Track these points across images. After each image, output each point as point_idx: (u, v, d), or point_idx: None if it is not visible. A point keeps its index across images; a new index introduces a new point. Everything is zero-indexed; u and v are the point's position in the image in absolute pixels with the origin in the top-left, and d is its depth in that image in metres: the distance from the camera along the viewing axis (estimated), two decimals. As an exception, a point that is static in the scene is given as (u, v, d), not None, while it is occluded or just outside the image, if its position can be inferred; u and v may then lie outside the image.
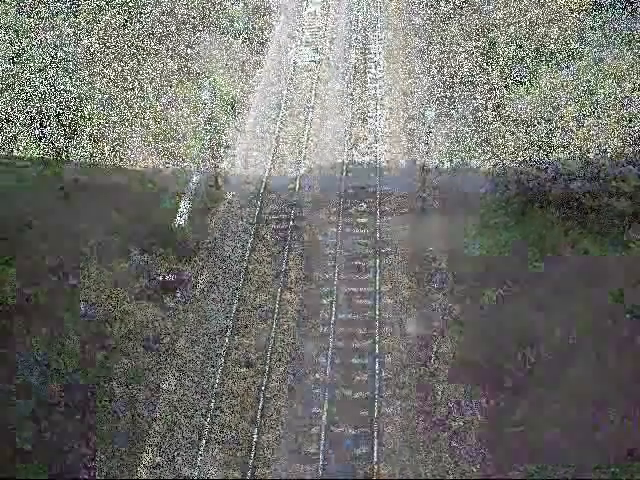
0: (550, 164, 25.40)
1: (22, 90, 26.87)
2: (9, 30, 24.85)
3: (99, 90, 29.56)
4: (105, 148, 28.90)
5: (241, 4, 45.39)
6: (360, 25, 46.61)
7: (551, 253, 25.16)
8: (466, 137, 33.67)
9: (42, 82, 26.89)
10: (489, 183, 29.94)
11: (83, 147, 28.20)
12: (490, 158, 30.37)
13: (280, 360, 24.95)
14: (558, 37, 29.15)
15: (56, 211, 25.51)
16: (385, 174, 33.42)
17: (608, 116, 25.21)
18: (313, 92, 40.00)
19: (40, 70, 27.18)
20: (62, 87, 27.20)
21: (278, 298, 27.29)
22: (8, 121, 26.90)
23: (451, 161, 33.31)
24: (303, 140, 36.27)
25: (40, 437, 20.70)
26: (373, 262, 28.56)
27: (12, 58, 24.96)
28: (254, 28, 44.79)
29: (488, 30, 32.21)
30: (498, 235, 27.69)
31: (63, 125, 26.79)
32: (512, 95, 28.34)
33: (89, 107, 27.87)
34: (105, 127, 29.39)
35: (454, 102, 35.73)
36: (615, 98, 26.06)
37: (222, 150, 35.46)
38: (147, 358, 24.63)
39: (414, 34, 45.12)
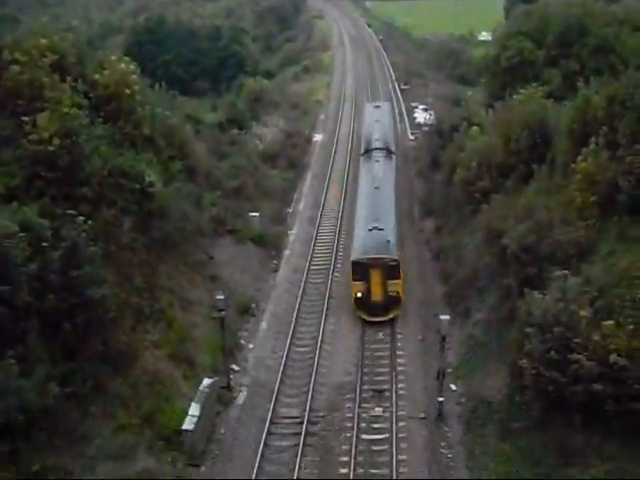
0: (569, 366, 24.83)
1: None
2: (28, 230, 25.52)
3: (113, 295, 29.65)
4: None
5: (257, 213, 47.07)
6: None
7: (575, 459, 24.08)
8: (481, 341, 33.51)
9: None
10: (506, 387, 29.37)
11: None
12: (507, 362, 29.92)
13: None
14: (569, 241, 29.58)
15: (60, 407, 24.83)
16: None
17: (624, 318, 25.00)
18: (327, 295, 40.33)
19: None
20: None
21: None
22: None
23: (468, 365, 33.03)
24: (316, 348, 35.97)
25: None
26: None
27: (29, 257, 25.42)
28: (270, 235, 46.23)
29: (499, 235, 32.88)
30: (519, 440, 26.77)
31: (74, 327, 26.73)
32: (527, 299, 28.30)
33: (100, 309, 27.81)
34: (116, 331, 29.22)
35: (469, 308, 35.92)
36: (628, 301, 25.96)
37: (235, 353, 35.24)
38: None
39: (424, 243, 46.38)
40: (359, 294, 38.10)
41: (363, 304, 38.19)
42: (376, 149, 52.07)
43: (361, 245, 39.51)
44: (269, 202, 52.05)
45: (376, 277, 37.72)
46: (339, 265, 44.25)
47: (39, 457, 22.97)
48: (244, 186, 51.19)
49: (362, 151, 54.46)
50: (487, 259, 35.56)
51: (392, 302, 37.90)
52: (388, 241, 38.87)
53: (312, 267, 44.18)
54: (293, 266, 44.72)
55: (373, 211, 42.49)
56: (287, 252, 46.70)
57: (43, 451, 23.39)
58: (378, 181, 46.53)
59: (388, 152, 52.05)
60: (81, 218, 28.08)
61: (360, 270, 38.05)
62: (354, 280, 38.38)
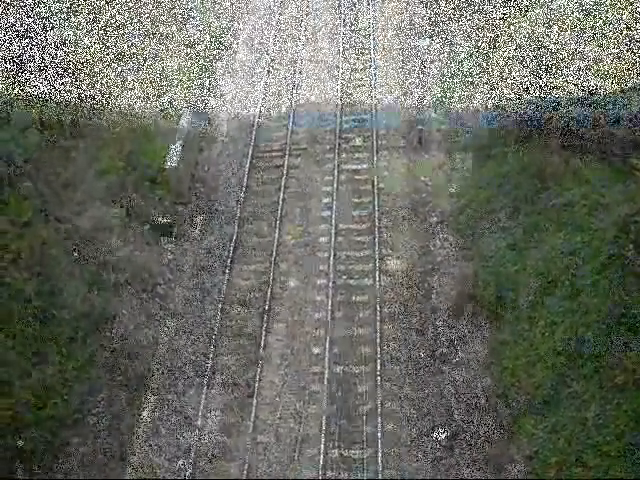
0: (550, 92, 24.65)
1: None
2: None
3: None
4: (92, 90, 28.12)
5: None
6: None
7: (552, 183, 24.69)
8: (463, 68, 32.98)
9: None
10: (488, 114, 29.41)
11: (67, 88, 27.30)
12: (488, 89, 29.72)
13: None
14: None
15: (42, 156, 24.82)
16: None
17: (609, 41, 24.41)
18: (304, 22, 38.91)
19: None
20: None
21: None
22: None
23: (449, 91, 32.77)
24: (294, 72, 35.34)
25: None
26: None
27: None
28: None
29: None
30: (498, 166, 27.29)
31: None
32: (509, 23, 27.40)
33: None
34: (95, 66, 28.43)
35: (451, 33, 34.86)
36: (615, 23, 25.16)
37: (213, 87, 34.68)
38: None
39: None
40: None
41: None
42: None
43: None
44: None
45: None
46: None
47: (29, 205, 23.32)
48: None
49: None
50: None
51: None
52: None
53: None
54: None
55: None
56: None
57: (31, 200, 23.70)
58: None
59: None
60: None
61: None
62: None
